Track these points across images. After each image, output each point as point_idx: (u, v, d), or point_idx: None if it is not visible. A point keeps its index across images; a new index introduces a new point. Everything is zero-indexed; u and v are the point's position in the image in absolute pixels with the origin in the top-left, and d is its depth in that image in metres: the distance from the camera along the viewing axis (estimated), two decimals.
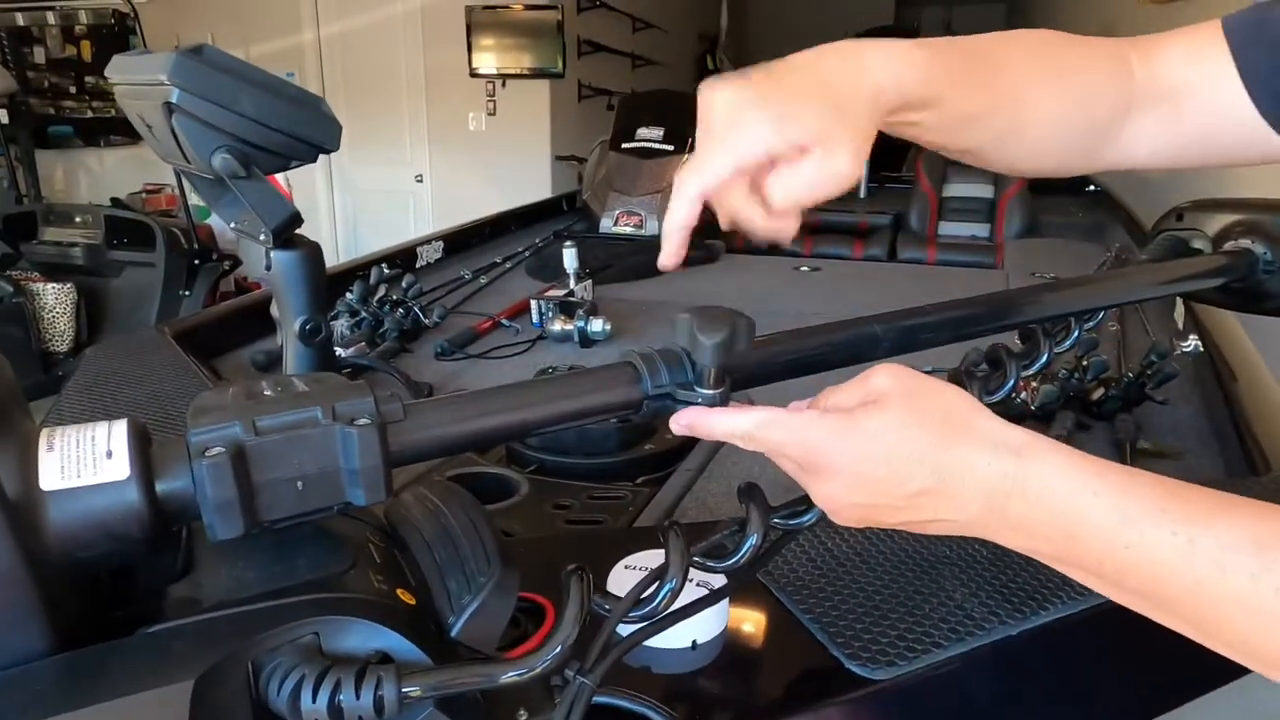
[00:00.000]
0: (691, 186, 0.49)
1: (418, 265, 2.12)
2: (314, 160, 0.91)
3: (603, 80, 5.61)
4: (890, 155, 4.68)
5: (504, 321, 1.68)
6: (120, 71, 0.89)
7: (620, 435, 1.05)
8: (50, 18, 4.23)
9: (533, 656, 0.41)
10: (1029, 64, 0.57)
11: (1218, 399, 1.16)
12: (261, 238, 0.92)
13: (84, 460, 0.38)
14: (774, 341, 0.56)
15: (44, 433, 0.39)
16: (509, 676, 0.41)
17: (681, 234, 0.51)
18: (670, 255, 0.52)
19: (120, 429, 0.40)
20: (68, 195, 5.33)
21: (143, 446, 0.40)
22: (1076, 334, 0.78)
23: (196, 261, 3.81)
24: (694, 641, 0.57)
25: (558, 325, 1.58)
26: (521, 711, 0.48)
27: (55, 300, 3.50)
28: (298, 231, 0.91)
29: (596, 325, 1.55)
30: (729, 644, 0.58)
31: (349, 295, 1.60)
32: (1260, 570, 0.36)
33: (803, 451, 0.46)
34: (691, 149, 2.25)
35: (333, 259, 4.56)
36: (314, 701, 0.37)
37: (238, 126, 0.83)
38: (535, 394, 0.51)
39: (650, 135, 2.76)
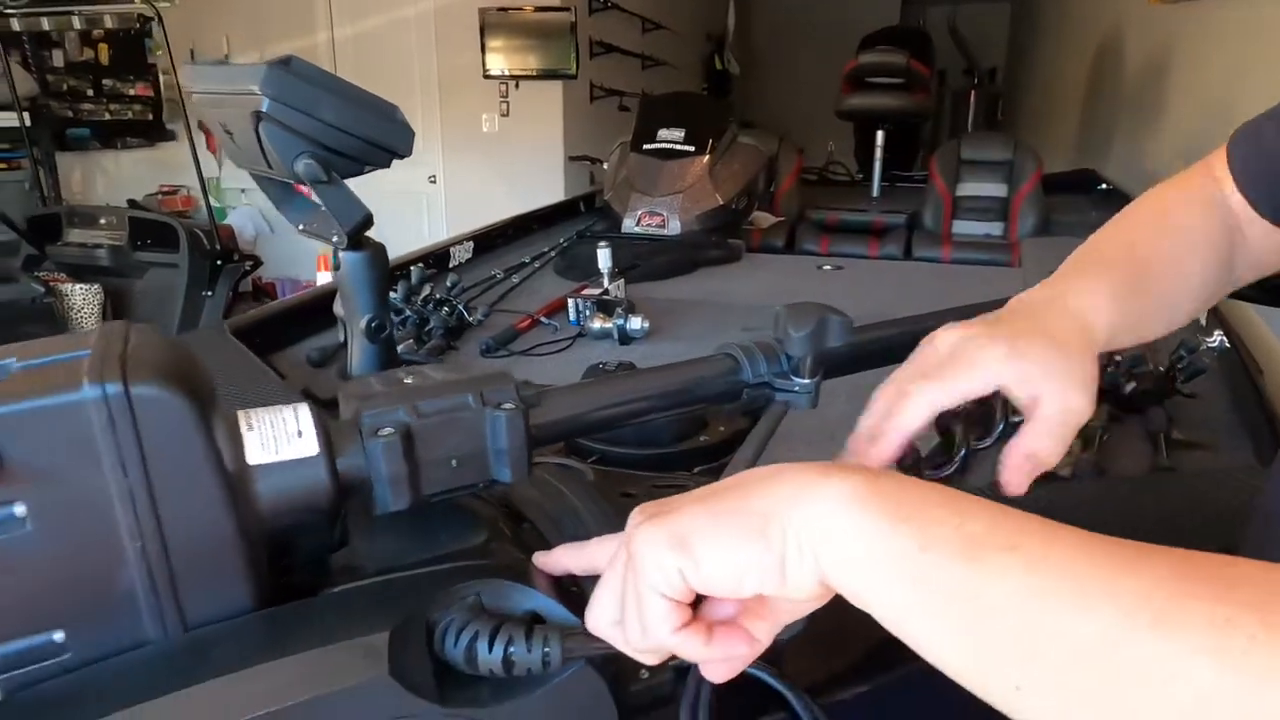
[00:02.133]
0: (930, 394, 0.48)
1: (450, 265, 2.17)
2: (387, 165, 0.96)
3: (614, 81, 5.65)
4: (901, 155, 4.73)
5: (543, 320, 1.73)
6: (200, 81, 0.94)
7: (676, 427, 1.10)
8: (75, 21, 4.29)
9: None
10: (1173, 257, 0.59)
11: (1245, 392, 1.21)
12: (334, 239, 0.97)
13: (279, 438, 0.43)
14: (862, 332, 0.61)
15: (240, 414, 0.43)
16: None
17: (902, 436, 0.48)
18: (885, 453, 0.48)
19: (305, 411, 0.45)
20: (85, 197, 5.39)
21: (325, 427, 0.45)
22: None
23: (219, 262, 3.86)
24: None
25: (597, 323, 1.62)
26: (643, 670, 0.52)
27: (83, 301, 3.56)
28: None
29: (635, 323, 1.59)
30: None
31: (393, 294, 1.65)
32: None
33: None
34: (712, 150, 2.29)
35: None
36: (489, 653, 0.41)
37: (321, 134, 0.88)
38: (647, 383, 0.56)
39: (671, 136, 2.81)
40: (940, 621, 0.31)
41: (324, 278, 4.02)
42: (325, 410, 0.46)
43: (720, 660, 0.38)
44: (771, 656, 0.56)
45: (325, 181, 0.90)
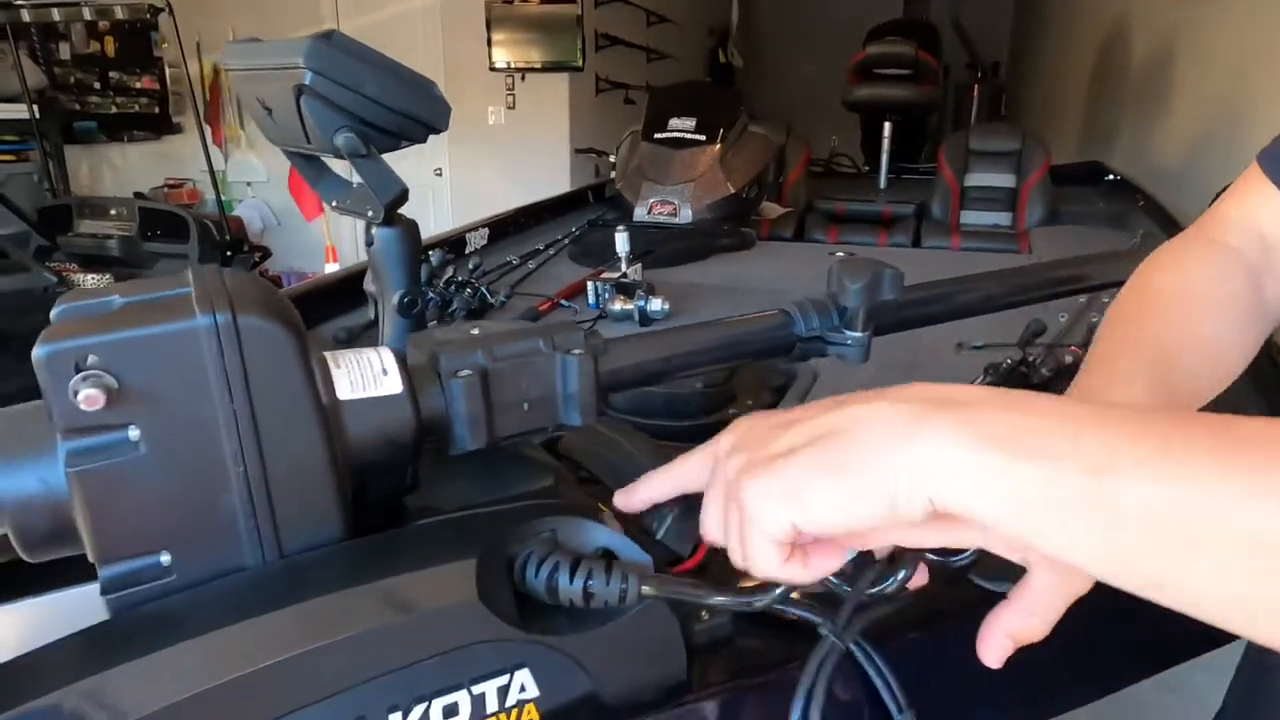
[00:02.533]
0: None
1: (466, 251, 2.18)
2: (424, 140, 0.97)
3: (619, 74, 5.66)
4: (907, 146, 4.74)
5: (563, 302, 1.74)
6: (240, 57, 0.95)
7: (705, 399, 1.11)
8: (85, 12, 4.30)
9: (756, 594, 0.46)
10: (1200, 339, 0.54)
11: (1270, 378, 1.22)
12: (369, 214, 0.98)
13: (366, 376, 0.44)
14: (912, 291, 0.62)
15: (327, 355, 0.45)
16: (727, 602, 0.46)
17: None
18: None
19: (388, 353, 0.46)
20: (93, 190, 5.40)
21: (406, 366, 0.46)
22: None
23: (229, 253, 3.87)
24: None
25: (617, 305, 1.64)
26: (704, 612, 0.54)
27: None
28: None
29: (656, 304, 1.61)
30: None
31: None
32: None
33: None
34: (723, 139, 2.29)
35: (353, 256, 4.64)
36: (570, 584, 0.43)
37: (361, 107, 0.89)
38: (705, 335, 0.57)
39: (682, 125, 2.82)
40: (1070, 536, 0.30)
41: (331, 269, 4.04)
42: None
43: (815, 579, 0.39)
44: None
45: (364, 155, 0.91)
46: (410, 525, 0.45)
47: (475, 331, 0.52)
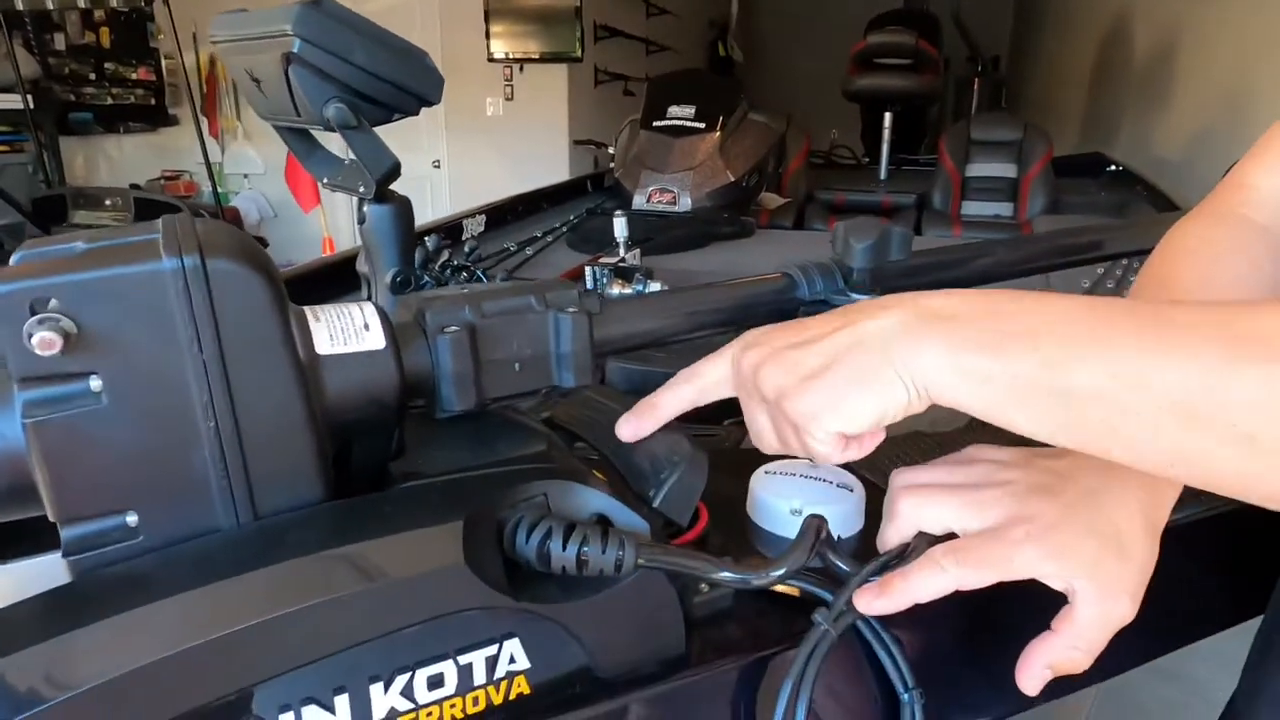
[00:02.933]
0: (951, 569, 0.44)
1: (463, 237, 2.16)
2: (416, 113, 0.95)
3: (618, 66, 5.64)
4: (907, 137, 4.71)
5: None
6: (229, 28, 0.93)
7: None
8: (81, 2, 4.26)
9: (756, 570, 0.44)
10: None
11: None
12: (361, 190, 0.96)
13: (347, 331, 0.42)
14: (922, 255, 0.60)
15: (306, 309, 0.43)
16: (727, 577, 0.44)
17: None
18: None
19: (370, 308, 0.44)
20: (88, 181, 5.36)
21: (389, 323, 0.44)
22: None
23: None
24: (839, 535, 0.61)
25: (616, 289, 1.62)
26: (703, 585, 0.52)
27: None
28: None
29: (654, 288, 1.58)
30: (868, 535, 0.62)
31: None
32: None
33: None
34: (723, 126, 2.26)
35: (351, 246, 4.58)
36: (563, 550, 0.41)
37: (351, 77, 0.87)
38: (705, 297, 0.55)
39: (682, 113, 2.80)
40: (1034, 418, 0.37)
41: None
42: None
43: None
44: None
45: (355, 127, 0.89)
46: (394, 488, 0.43)
47: (466, 290, 0.50)
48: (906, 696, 0.48)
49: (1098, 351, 0.35)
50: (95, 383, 0.35)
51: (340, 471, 0.48)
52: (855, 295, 0.55)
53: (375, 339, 0.42)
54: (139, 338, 0.35)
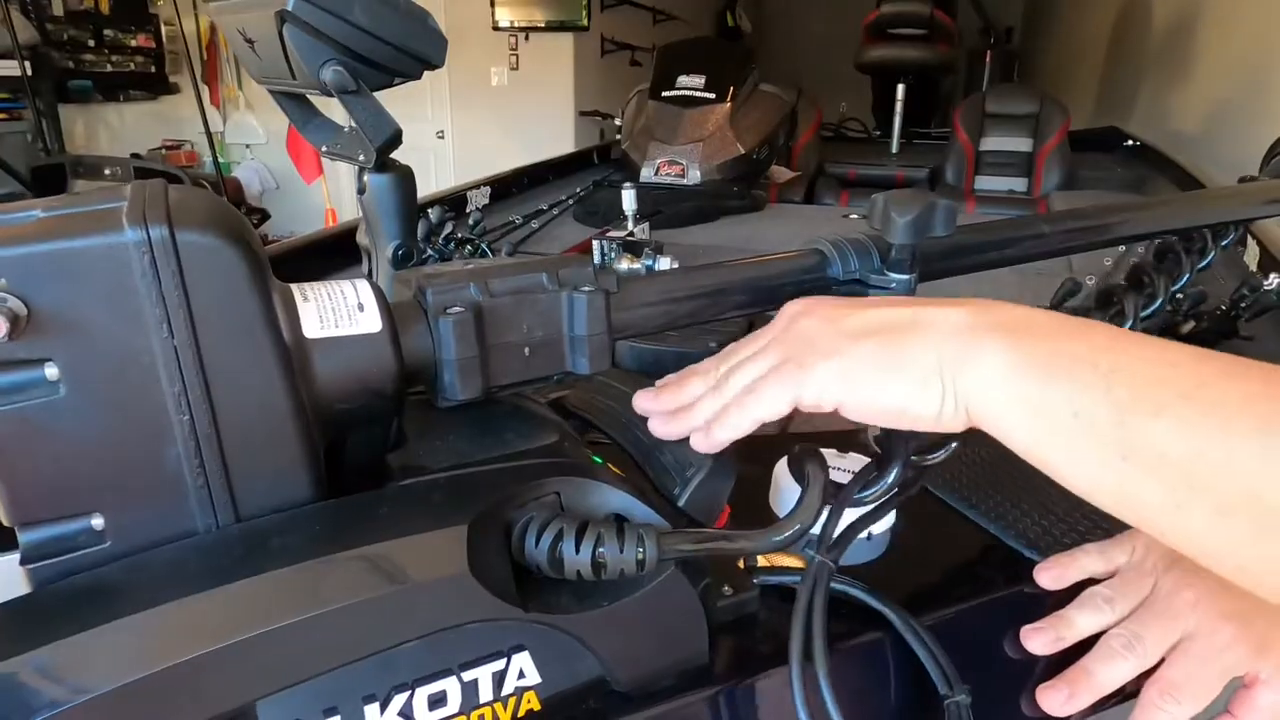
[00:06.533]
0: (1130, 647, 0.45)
1: (467, 209, 2.11)
2: (418, 77, 0.89)
3: (625, 35, 5.53)
4: (920, 110, 4.62)
5: None
6: None
7: None
8: None
9: (774, 531, 0.41)
10: None
11: None
12: (361, 158, 0.91)
13: (339, 311, 0.38)
14: (964, 232, 0.55)
15: (294, 286, 0.38)
16: (754, 545, 0.40)
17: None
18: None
19: (365, 286, 0.40)
20: (89, 150, 5.29)
21: (386, 304, 0.40)
22: (1213, 253, 0.77)
23: None
24: (869, 533, 0.57)
25: (624, 264, 1.57)
26: (726, 587, 0.48)
27: None
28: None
29: (664, 264, 1.54)
30: (898, 536, 0.58)
31: None
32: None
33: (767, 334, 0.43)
34: (733, 97, 2.20)
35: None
36: (577, 553, 0.37)
37: (349, 37, 0.82)
38: (729, 274, 0.50)
39: (691, 83, 2.72)
40: (1081, 464, 0.33)
41: None
42: None
43: None
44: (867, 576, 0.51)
45: (353, 92, 0.84)
46: (391, 485, 0.39)
47: (470, 266, 0.45)
48: (954, 696, 0.44)
49: (1181, 408, 0.30)
50: (51, 370, 0.31)
51: (333, 464, 0.44)
52: (893, 275, 0.50)
53: (370, 321, 0.38)
54: (100, 320, 0.31)
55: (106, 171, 3.82)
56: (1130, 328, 0.65)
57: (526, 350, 0.42)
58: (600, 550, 0.37)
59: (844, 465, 0.59)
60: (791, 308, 0.42)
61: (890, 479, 0.45)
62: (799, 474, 0.43)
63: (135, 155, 4.86)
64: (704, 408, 0.42)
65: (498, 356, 0.42)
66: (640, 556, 0.37)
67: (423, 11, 0.89)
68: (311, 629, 0.32)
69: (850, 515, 0.46)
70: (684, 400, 0.43)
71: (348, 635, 0.33)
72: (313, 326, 0.37)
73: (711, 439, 0.41)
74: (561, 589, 0.39)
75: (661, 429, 0.43)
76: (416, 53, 0.89)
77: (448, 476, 0.39)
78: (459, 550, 0.35)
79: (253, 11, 0.85)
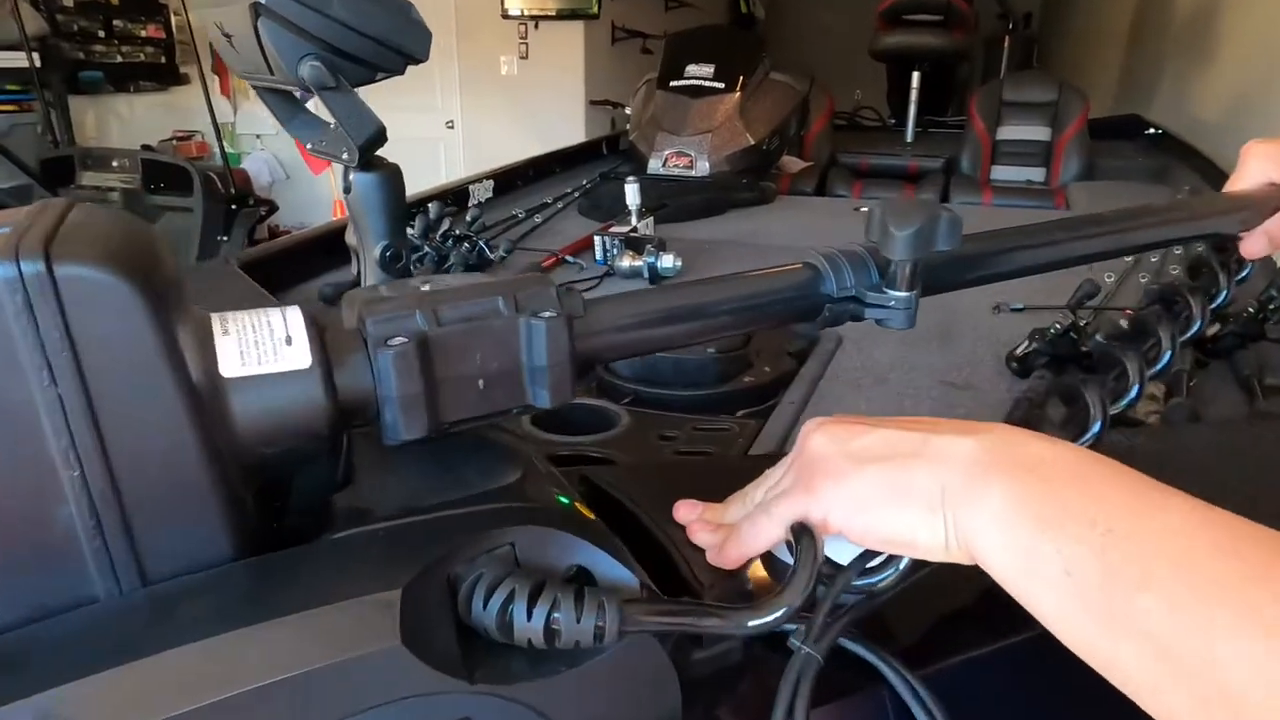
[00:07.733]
0: None
1: (469, 204, 2.07)
2: (401, 72, 0.86)
3: (636, 22, 5.46)
4: (936, 98, 4.53)
5: (568, 259, 1.63)
6: None
7: (719, 367, 1.01)
8: None
9: (753, 612, 0.36)
10: None
11: None
12: (344, 156, 0.87)
13: (263, 346, 0.34)
14: (972, 243, 0.51)
15: (214, 316, 0.35)
16: (728, 626, 0.36)
17: None
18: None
19: (295, 314, 0.36)
20: (99, 141, 5.28)
21: (320, 334, 0.36)
22: (1250, 266, 0.73)
23: (234, 206, 3.77)
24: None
25: (626, 261, 1.52)
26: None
27: None
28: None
29: (667, 261, 1.49)
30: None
31: (410, 230, 1.55)
32: None
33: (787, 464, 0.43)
34: (743, 87, 2.14)
35: None
36: (529, 619, 0.33)
37: (327, 31, 0.78)
38: (711, 293, 0.46)
39: (700, 73, 2.67)
40: (1065, 619, 0.31)
41: None
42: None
43: None
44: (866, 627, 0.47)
45: (333, 88, 0.80)
46: (323, 539, 0.35)
47: (425, 287, 0.41)
48: None
49: (1169, 584, 0.28)
50: None
51: (275, 507, 0.40)
52: (892, 292, 0.46)
53: (299, 356, 0.34)
54: None
55: (115, 164, 3.81)
56: (1200, 328, 0.67)
57: (481, 383, 0.38)
58: (555, 616, 0.33)
59: None
60: (807, 426, 0.42)
61: (902, 564, 0.40)
62: (792, 546, 0.39)
63: (146, 146, 4.84)
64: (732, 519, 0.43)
65: (448, 390, 0.38)
66: (599, 626, 0.33)
67: (405, 4, 0.85)
68: (223, 713, 0.28)
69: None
70: (724, 519, 0.44)
71: (266, 718, 0.29)
72: (231, 364, 0.33)
73: (723, 556, 0.42)
74: (515, 653, 0.35)
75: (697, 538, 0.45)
76: (398, 46, 0.85)
77: (388, 528, 0.35)
78: (390, 619, 0.31)
79: (229, 5, 0.81)
